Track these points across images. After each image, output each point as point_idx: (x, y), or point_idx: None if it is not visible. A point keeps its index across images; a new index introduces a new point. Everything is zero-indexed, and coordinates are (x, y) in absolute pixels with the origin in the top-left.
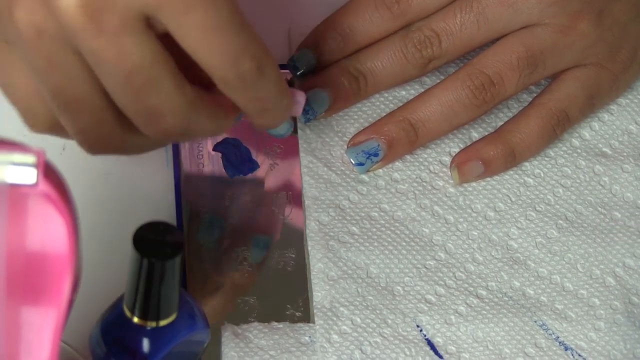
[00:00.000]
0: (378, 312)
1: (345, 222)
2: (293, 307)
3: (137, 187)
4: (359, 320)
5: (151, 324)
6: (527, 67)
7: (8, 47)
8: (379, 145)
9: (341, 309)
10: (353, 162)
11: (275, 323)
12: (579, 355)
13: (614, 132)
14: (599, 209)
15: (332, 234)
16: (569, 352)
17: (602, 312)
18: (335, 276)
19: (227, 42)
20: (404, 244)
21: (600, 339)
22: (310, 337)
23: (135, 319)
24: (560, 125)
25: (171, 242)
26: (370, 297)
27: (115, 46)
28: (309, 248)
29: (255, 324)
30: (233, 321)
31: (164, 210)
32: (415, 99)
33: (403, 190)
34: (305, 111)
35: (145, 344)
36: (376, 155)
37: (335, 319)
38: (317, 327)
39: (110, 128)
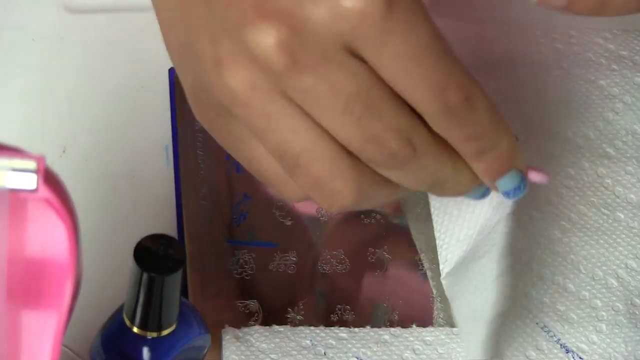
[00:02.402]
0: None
1: None
2: (294, 310)
3: (138, 188)
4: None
5: (152, 334)
6: None
7: (233, 119)
8: None
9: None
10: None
11: (276, 326)
12: (580, 358)
13: (618, 132)
14: (602, 209)
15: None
16: (570, 354)
17: (603, 313)
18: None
19: (429, 72)
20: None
21: (601, 341)
22: (311, 340)
23: (136, 329)
24: None
25: (172, 256)
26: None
27: (323, 80)
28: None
29: (257, 327)
30: (234, 324)
31: (164, 211)
32: None
33: None
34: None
35: (146, 354)
36: None
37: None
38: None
39: (347, 177)
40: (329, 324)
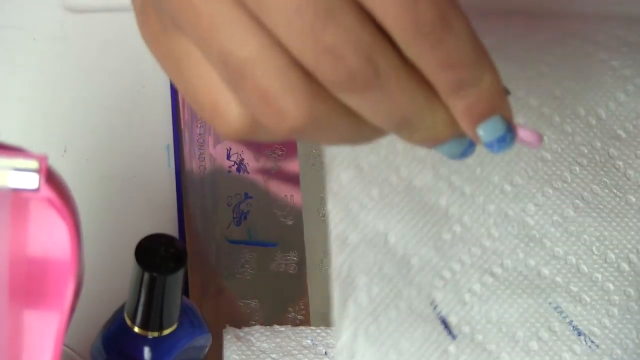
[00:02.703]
0: (394, 284)
1: (366, 182)
2: (295, 310)
3: (139, 188)
4: (376, 290)
5: (153, 334)
6: None
7: (177, 33)
8: None
9: (359, 277)
10: None
11: (277, 326)
12: (592, 342)
13: (629, 115)
14: (615, 191)
15: (352, 195)
16: (582, 337)
17: (616, 297)
18: (355, 240)
19: None
20: (422, 213)
21: (613, 326)
22: (312, 340)
23: (137, 329)
24: None
25: (173, 255)
26: (387, 267)
27: None
28: (329, 210)
29: (257, 327)
30: (235, 324)
31: (165, 210)
32: None
33: (421, 157)
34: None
35: (147, 354)
36: None
37: (352, 288)
38: (336, 295)
39: (297, 94)
40: (329, 323)
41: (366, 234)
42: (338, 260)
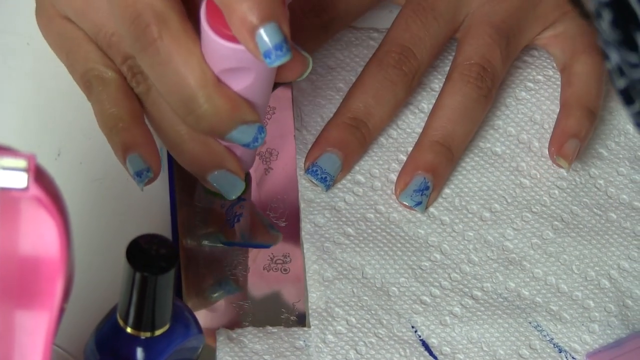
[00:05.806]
0: (373, 312)
1: (341, 223)
2: (288, 311)
3: (132, 190)
4: (354, 320)
5: (145, 334)
6: (500, 39)
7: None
8: (425, 178)
9: (336, 309)
10: (412, 205)
11: (270, 327)
12: (573, 357)
13: (611, 132)
14: (595, 210)
15: (327, 235)
16: (562, 354)
17: (596, 314)
18: (331, 277)
19: None
20: (400, 245)
21: (594, 341)
22: (304, 341)
23: (129, 329)
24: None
25: (165, 255)
26: (365, 298)
27: None
28: (305, 250)
29: (250, 328)
30: (228, 325)
31: (159, 213)
32: (431, 118)
33: None
34: (323, 179)
35: (140, 354)
36: (427, 188)
37: (330, 319)
38: (312, 327)
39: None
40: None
41: (341, 271)
42: (314, 296)
